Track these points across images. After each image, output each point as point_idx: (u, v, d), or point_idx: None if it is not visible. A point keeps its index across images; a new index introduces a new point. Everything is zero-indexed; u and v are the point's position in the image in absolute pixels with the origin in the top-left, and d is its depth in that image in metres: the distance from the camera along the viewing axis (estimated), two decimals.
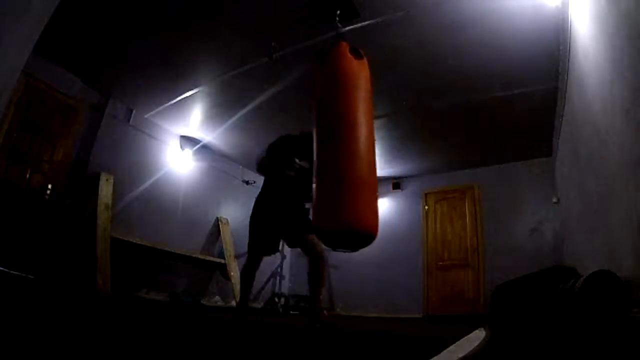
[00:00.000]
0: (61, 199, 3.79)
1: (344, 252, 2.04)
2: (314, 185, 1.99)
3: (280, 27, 3.14)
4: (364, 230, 1.91)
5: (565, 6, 2.66)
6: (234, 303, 5.10)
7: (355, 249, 2.01)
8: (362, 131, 1.96)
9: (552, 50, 3.15)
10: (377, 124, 4.62)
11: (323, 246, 2.36)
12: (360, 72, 2.07)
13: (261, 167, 2.79)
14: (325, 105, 2.04)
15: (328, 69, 2.08)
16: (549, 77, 3.50)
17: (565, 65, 3.04)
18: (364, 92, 2.05)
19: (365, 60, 2.11)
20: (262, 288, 6.10)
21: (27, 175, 3.63)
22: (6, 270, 3.05)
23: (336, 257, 6.26)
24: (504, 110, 4.13)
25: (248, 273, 2.69)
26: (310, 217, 2.07)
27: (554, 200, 4.73)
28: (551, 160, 4.93)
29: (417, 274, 5.64)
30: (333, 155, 1.92)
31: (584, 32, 2.32)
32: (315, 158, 2.01)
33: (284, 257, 6.36)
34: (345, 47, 2.08)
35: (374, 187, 2.03)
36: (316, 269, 2.58)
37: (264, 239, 2.65)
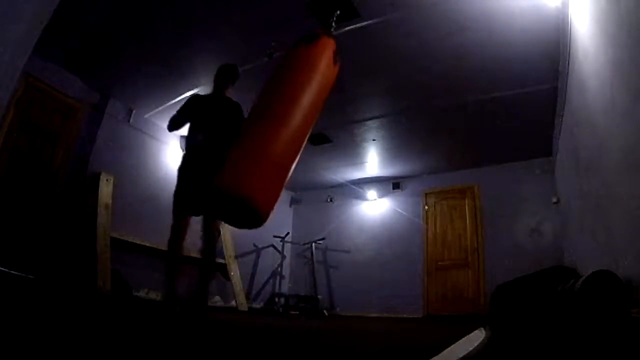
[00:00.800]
0: (61, 199, 3.79)
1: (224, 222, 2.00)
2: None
3: (280, 27, 3.14)
4: (250, 204, 1.72)
5: (565, 6, 2.66)
6: (234, 303, 5.10)
7: (236, 223, 1.95)
8: (297, 117, 1.90)
9: (552, 50, 3.15)
10: (377, 123, 4.67)
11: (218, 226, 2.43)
12: (327, 72, 2.09)
13: (171, 123, 2.57)
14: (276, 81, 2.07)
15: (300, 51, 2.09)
16: (549, 77, 3.50)
17: (565, 65, 3.04)
18: (316, 87, 2.02)
19: (337, 66, 2.14)
20: (262, 288, 6.11)
21: (27, 175, 3.63)
22: (6, 270, 3.05)
23: (336, 258, 6.28)
24: (504, 110, 4.13)
25: (174, 247, 2.35)
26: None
27: (554, 200, 4.73)
28: (551, 160, 4.93)
29: (417, 274, 5.63)
30: (258, 127, 1.88)
31: (584, 32, 2.32)
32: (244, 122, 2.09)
33: (284, 257, 6.37)
34: (331, 44, 2.08)
35: (283, 171, 1.89)
36: (213, 247, 2.48)
37: (187, 196, 2.39)
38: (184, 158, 2.52)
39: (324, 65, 2.06)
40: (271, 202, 1.80)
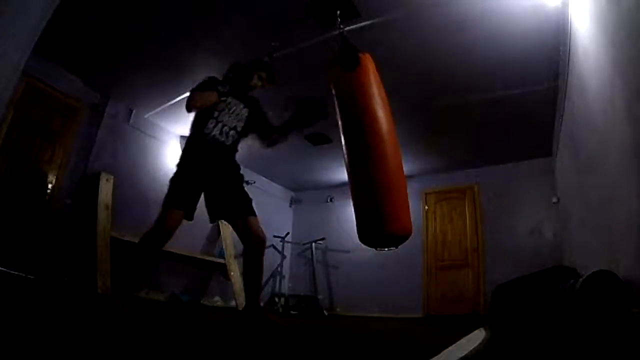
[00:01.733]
0: (61, 199, 3.79)
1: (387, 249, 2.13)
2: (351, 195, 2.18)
3: (280, 27, 3.14)
4: (403, 233, 2.07)
5: (565, 6, 2.66)
6: (234, 303, 5.10)
7: (395, 246, 2.16)
8: (388, 138, 2.15)
9: (552, 50, 3.15)
10: None
11: (263, 232, 2.29)
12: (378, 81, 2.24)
13: (191, 101, 2.21)
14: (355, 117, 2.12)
15: (359, 78, 2.15)
16: (549, 77, 3.50)
17: (565, 65, 3.04)
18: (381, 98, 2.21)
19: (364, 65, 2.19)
20: (262, 288, 6.10)
21: (27, 175, 3.63)
22: (6, 270, 3.05)
23: (336, 258, 6.28)
24: (504, 110, 4.13)
25: (159, 242, 2.12)
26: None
27: (554, 200, 4.73)
28: (551, 160, 4.93)
29: (417, 274, 5.63)
30: (367, 168, 2.10)
31: (584, 32, 2.32)
32: (349, 171, 2.19)
33: (284, 257, 6.36)
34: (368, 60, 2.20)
35: (404, 188, 2.29)
36: (258, 259, 2.25)
37: (191, 198, 2.20)
38: (197, 154, 2.26)
39: (379, 84, 2.23)
40: (409, 219, 2.18)
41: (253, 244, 2.25)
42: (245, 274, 2.33)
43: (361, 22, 2.98)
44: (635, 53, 1.48)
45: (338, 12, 2.61)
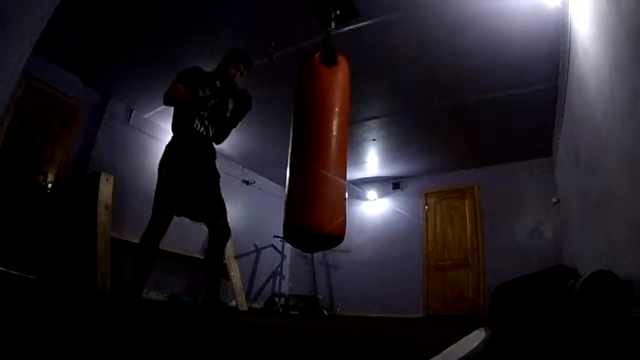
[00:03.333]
0: (61, 199, 3.79)
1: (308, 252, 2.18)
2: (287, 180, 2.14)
3: (280, 27, 3.14)
4: (324, 233, 2.03)
5: (565, 6, 2.66)
6: (234, 303, 5.10)
7: (322, 248, 2.25)
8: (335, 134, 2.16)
9: (552, 50, 3.15)
10: (377, 123, 4.67)
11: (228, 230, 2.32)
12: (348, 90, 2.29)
13: (171, 94, 2.23)
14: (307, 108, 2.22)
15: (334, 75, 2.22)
16: (549, 77, 3.50)
17: (565, 65, 3.04)
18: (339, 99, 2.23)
19: (339, 65, 2.27)
20: (262, 288, 6.11)
21: (27, 175, 3.63)
22: (6, 270, 3.05)
23: (337, 258, 6.28)
24: (504, 110, 4.13)
25: (152, 244, 2.13)
26: None
27: (554, 200, 4.73)
28: (551, 160, 4.93)
29: (417, 274, 5.64)
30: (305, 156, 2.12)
31: (584, 32, 2.32)
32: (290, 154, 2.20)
33: (284, 257, 6.37)
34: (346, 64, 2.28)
35: (341, 191, 2.20)
36: (220, 250, 2.31)
37: (181, 202, 2.20)
38: (182, 150, 2.25)
39: (346, 86, 2.26)
40: (344, 225, 2.15)
41: (220, 236, 2.30)
42: (206, 265, 2.34)
43: (361, 22, 2.98)
44: (635, 53, 1.48)
45: (336, 12, 2.62)
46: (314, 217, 1.98)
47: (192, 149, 2.27)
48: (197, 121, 2.28)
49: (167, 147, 2.30)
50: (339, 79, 2.22)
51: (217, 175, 2.41)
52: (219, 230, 2.28)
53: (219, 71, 2.46)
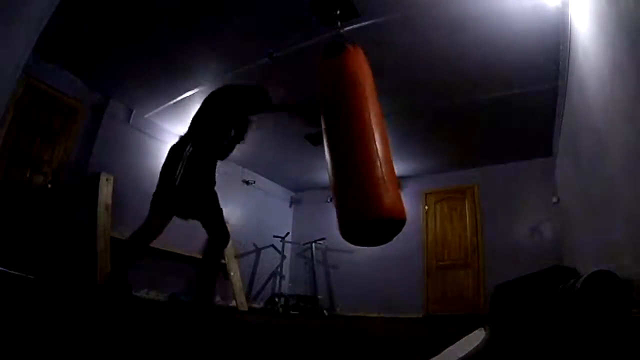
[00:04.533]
0: (61, 198, 3.79)
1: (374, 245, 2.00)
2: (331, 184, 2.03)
3: (281, 27, 3.14)
4: (394, 217, 1.82)
5: (565, 6, 2.66)
6: (234, 303, 5.10)
7: (388, 239, 1.95)
8: (374, 122, 2.03)
9: (552, 50, 3.15)
10: None
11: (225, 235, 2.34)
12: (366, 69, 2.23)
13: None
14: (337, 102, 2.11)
15: (339, 63, 2.18)
16: (549, 77, 3.50)
17: (565, 65, 3.04)
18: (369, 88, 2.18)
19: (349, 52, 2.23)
20: (262, 288, 6.11)
21: (27, 175, 3.63)
22: (6, 270, 3.05)
23: (336, 258, 6.28)
24: (504, 110, 4.13)
25: (149, 239, 2.23)
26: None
27: (554, 200, 4.72)
28: (551, 160, 4.92)
29: (417, 274, 5.63)
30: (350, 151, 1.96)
31: (584, 32, 2.32)
32: (328, 151, 2.08)
33: (284, 257, 6.37)
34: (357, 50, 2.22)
35: (392, 172, 1.99)
36: (217, 253, 2.35)
37: (186, 200, 2.27)
38: (205, 161, 2.34)
39: (367, 69, 2.22)
40: (401, 203, 1.92)
41: (219, 238, 2.35)
42: (202, 265, 2.36)
43: (361, 22, 2.98)
44: (634, 53, 1.48)
45: (336, 12, 2.62)
46: (385, 200, 1.77)
47: (214, 162, 2.38)
48: (224, 136, 2.40)
49: (182, 149, 2.31)
50: (363, 66, 2.20)
51: (215, 183, 2.45)
52: (217, 232, 2.33)
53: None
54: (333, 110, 2.10)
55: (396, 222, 1.83)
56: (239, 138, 2.51)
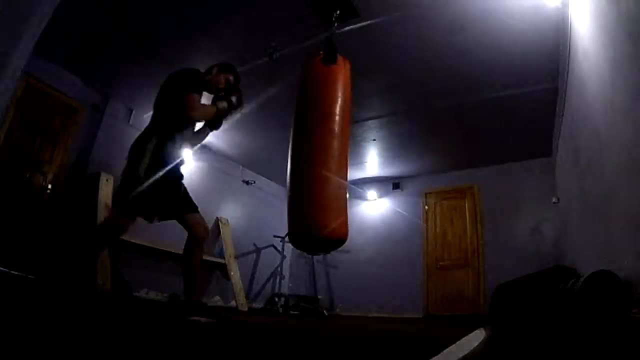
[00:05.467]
0: (61, 199, 3.79)
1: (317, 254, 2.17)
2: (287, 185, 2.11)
3: (280, 27, 3.14)
4: (328, 237, 2.00)
5: (565, 6, 2.66)
6: (233, 303, 5.10)
7: (327, 251, 2.19)
8: (338, 136, 2.14)
9: (552, 50, 3.15)
10: (377, 123, 4.67)
11: (203, 230, 2.26)
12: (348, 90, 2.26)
13: (201, 113, 2.26)
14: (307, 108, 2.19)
15: (334, 74, 2.21)
16: (549, 77, 3.50)
17: (565, 65, 3.04)
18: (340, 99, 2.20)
19: (340, 65, 2.24)
20: (262, 288, 6.11)
21: (27, 175, 3.63)
22: (6, 270, 3.05)
23: (337, 258, 6.28)
24: (504, 110, 4.13)
25: (111, 237, 2.21)
26: None
27: (554, 200, 4.73)
28: (551, 160, 4.93)
29: (417, 274, 5.64)
30: (306, 159, 2.08)
31: (584, 32, 2.32)
32: (290, 156, 2.17)
33: (283, 257, 6.37)
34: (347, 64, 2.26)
35: (342, 193, 2.14)
36: (189, 252, 2.22)
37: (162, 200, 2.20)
38: (166, 153, 2.22)
39: (347, 85, 2.24)
40: (346, 226, 2.11)
41: (195, 237, 2.25)
42: (182, 264, 2.28)
43: (361, 22, 2.98)
44: (635, 53, 1.48)
45: (336, 12, 2.62)
46: (316, 220, 1.96)
47: (179, 153, 2.28)
48: (185, 130, 2.29)
49: (144, 144, 2.25)
50: (339, 78, 2.21)
51: (182, 176, 2.37)
52: (192, 229, 2.24)
53: (208, 80, 2.42)
54: (305, 119, 2.17)
55: (333, 242, 2.04)
56: (211, 126, 2.41)
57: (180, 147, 2.28)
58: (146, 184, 2.11)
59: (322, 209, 1.98)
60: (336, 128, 2.10)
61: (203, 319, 2.09)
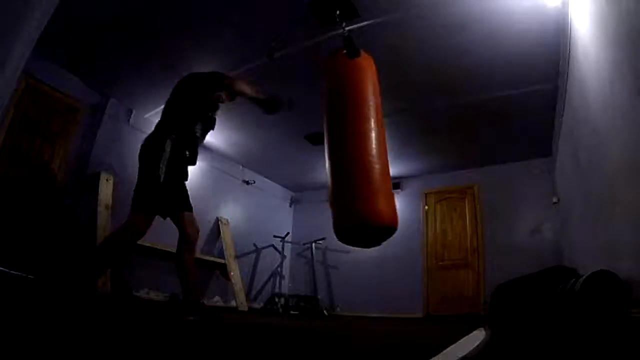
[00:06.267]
0: (61, 199, 3.79)
1: (367, 247, 2.04)
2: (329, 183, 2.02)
3: (281, 27, 3.14)
4: (383, 224, 1.86)
5: (565, 6, 2.66)
6: (234, 303, 5.10)
7: (378, 243, 1.99)
8: (374, 126, 2.03)
9: (552, 51, 3.15)
10: None
11: (195, 229, 2.26)
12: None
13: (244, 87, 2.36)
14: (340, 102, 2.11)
15: (360, 66, 2.19)
16: (549, 77, 3.50)
17: (565, 65, 3.04)
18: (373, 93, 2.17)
19: (364, 57, 2.23)
20: (262, 288, 6.11)
21: (27, 175, 3.63)
22: (6, 270, 3.05)
23: (337, 258, 6.28)
24: (504, 110, 4.13)
25: (134, 239, 2.17)
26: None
27: (554, 200, 4.73)
28: (551, 160, 4.93)
29: (417, 273, 5.64)
30: (347, 152, 1.97)
31: (584, 32, 2.32)
32: (328, 153, 2.06)
33: (284, 257, 6.37)
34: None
35: (388, 179, 2.03)
36: (180, 252, 2.25)
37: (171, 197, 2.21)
38: (182, 153, 2.26)
39: (374, 75, 2.22)
40: (394, 211, 1.95)
41: (187, 236, 2.25)
42: (175, 265, 2.30)
43: (361, 22, 2.98)
44: (635, 53, 1.48)
45: (336, 12, 2.62)
46: (375, 208, 1.82)
47: (190, 153, 2.30)
48: (197, 126, 2.33)
49: (162, 143, 2.25)
50: (367, 69, 2.19)
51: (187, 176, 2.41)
52: (183, 228, 2.25)
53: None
54: (341, 111, 2.09)
55: (387, 229, 1.89)
56: (209, 128, 2.46)
57: (197, 142, 2.35)
58: (167, 182, 2.16)
59: (375, 195, 1.85)
60: (372, 116, 2.02)
61: (191, 317, 2.09)
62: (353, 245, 2.03)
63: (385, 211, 1.85)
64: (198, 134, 2.34)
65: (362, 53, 2.22)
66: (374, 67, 2.24)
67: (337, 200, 1.93)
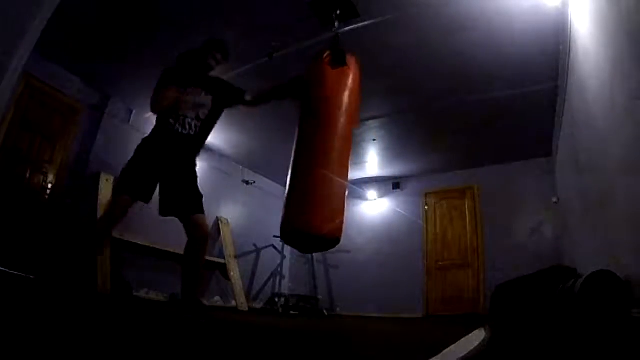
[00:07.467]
0: (61, 199, 3.79)
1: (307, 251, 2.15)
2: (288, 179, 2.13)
3: (280, 27, 3.14)
4: (315, 234, 1.97)
5: (565, 6, 2.66)
6: (234, 303, 5.10)
7: (316, 250, 2.18)
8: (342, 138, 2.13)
9: (552, 51, 3.15)
10: (377, 123, 4.67)
11: (208, 230, 2.31)
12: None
13: (157, 103, 2.27)
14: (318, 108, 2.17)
15: (344, 76, 2.19)
16: (549, 77, 3.50)
17: (565, 65, 3.04)
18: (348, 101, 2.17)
19: (349, 67, 2.21)
20: (262, 288, 6.11)
21: (27, 175, 3.63)
22: (6, 270, 3.04)
23: (337, 258, 6.28)
24: (504, 110, 4.13)
25: (109, 226, 2.27)
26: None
27: (554, 200, 4.73)
28: (551, 160, 4.93)
29: (417, 274, 5.63)
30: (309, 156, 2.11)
31: (584, 32, 2.32)
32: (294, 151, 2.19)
33: (283, 257, 6.37)
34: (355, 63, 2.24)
35: (340, 194, 2.12)
36: (199, 253, 2.27)
37: (143, 184, 2.22)
38: (153, 143, 2.28)
39: (355, 88, 2.21)
40: (341, 227, 2.04)
41: (197, 239, 2.26)
42: (184, 266, 2.29)
43: (361, 22, 2.98)
44: (635, 53, 1.48)
45: (336, 12, 2.62)
46: (310, 218, 1.94)
47: (163, 145, 2.28)
48: (171, 119, 2.31)
49: (142, 139, 2.34)
50: (348, 81, 2.18)
51: (194, 174, 2.41)
52: (194, 230, 2.26)
53: (195, 61, 2.52)
54: (308, 123, 2.18)
55: (321, 239, 2.00)
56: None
57: (166, 137, 2.36)
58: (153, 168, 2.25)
59: (318, 207, 1.96)
60: (339, 131, 2.08)
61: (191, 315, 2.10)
62: (295, 248, 2.23)
63: (321, 223, 1.94)
64: (175, 127, 2.32)
65: (348, 59, 2.21)
66: (357, 77, 2.22)
67: (284, 206, 2.08)
